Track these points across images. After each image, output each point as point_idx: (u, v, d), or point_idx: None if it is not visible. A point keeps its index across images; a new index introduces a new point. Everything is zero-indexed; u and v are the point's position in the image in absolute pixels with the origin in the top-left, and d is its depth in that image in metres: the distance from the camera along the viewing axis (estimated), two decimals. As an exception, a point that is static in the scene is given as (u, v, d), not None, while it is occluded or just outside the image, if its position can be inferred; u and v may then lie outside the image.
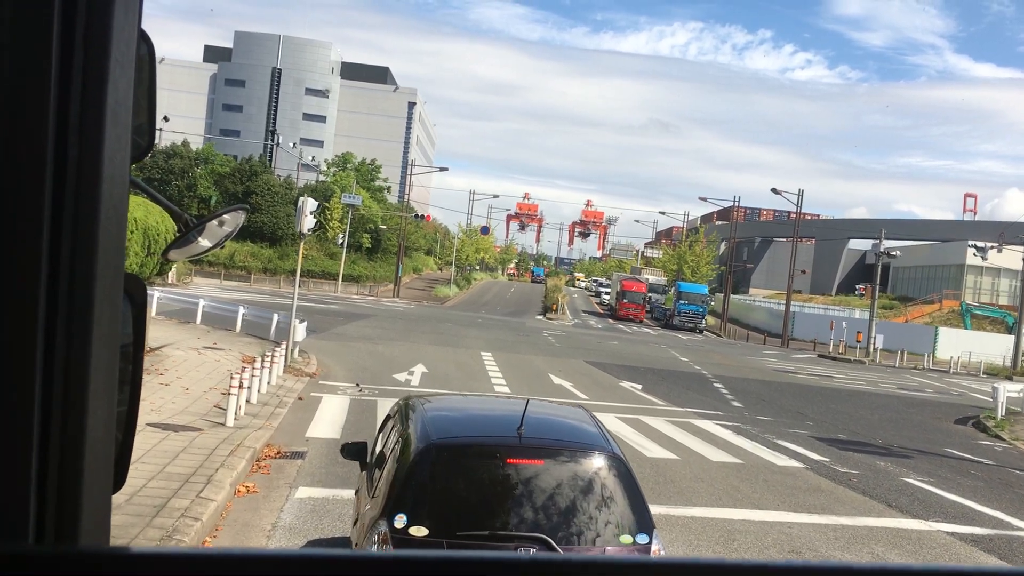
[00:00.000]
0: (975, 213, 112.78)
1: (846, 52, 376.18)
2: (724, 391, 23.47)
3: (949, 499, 12.21)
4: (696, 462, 13.02)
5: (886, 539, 9.78)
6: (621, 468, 4.88)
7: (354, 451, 6.37)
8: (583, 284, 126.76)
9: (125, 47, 1.05)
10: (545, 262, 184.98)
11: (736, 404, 20.89)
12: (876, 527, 10.27)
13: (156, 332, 20.75)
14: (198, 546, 7.76)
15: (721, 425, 17.02)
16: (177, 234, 2.17)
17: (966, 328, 61.42)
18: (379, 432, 6.22)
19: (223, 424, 11.87)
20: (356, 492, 6.50)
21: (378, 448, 5.89)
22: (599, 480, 4.82)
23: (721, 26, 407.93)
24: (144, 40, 1.19)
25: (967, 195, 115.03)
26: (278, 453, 11.22)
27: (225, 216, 2.17)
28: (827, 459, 14.42)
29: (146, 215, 13.76)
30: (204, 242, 2.15)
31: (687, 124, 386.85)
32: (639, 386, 22.54)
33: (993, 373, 44.93)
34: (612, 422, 14.96)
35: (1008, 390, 23.30)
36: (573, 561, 1.01)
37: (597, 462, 4.90)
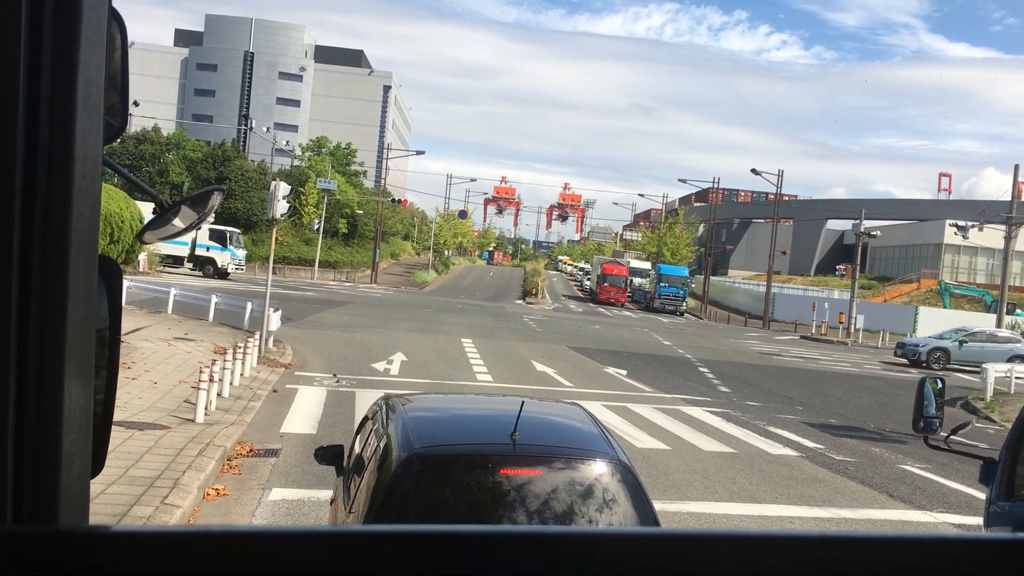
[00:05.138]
0: (950, 192, 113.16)
1: (821, 32, 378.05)
2: (710, 375, 23.04)
3: (950, 487, 11.80)
4: (688, 452, 12.54)
5: (892, 533, 9.33)
6: (628, 477, 4.34)
7: (329, 455, 5.78)
8: (569, 268, 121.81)
9: (96, 26, 1.02)
10: (523, 246, 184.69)
11: (723, 389, 20.47)
12: (880, 520, 9.83)
13: (125, 322, 19.96)
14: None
15: (710, 412, 16.56)
16: (152, 216, 2.14)
17: (945, 307, 61.62)
18: (357, 433, 5.65)
19: (192, 420, 11.25)
20: (332, 502, 5.93)
21: (356, 451, 5.32)
22: (604, 490, 4.29)
23: (696, 7, 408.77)
24: (115, 19, 1.16)
25: (942, 174, 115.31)
26: (251, 451, 10.61)
27: (200, 197, 2.11)
28: (821, 446, 13.99)
29: (107, 201, 13.02)
30: (179, 223, 2.08)
31: (665, 106, 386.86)
32: (624, 372, 22.06)
33: (974, 352, 44.90)
34: (600, 411, 14.45)
35: (996, 371, 23.04)
36: (566, 534, 0.98)
37: (601, 469, 4.36)
